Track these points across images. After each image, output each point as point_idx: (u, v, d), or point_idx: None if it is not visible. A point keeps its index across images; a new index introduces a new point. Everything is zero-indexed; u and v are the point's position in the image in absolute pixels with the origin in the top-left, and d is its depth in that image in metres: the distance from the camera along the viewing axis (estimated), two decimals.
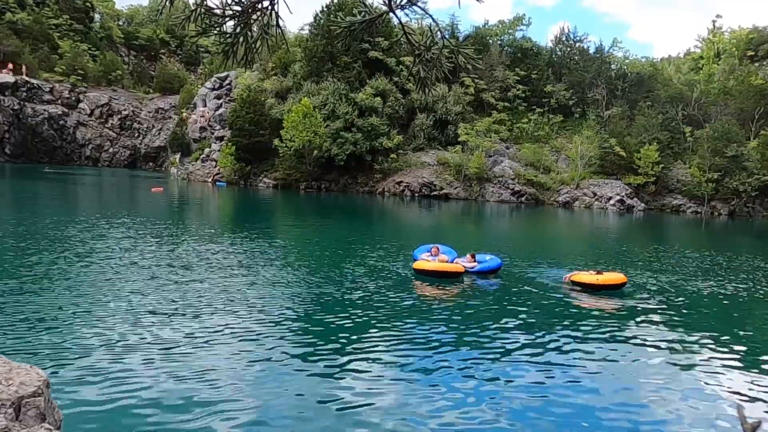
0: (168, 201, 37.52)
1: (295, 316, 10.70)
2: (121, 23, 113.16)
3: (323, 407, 6.90)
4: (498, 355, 9.18)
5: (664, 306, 13.11)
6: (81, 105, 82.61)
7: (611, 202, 49.56)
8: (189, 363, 7.93)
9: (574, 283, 14.19)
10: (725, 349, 10.13)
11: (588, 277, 14.01)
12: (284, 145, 50.39)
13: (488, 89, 58.94)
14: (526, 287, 14.29)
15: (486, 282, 14.79)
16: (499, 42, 66.92)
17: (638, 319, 11.84)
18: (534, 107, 60.29)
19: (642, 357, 9.48)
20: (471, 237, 27.53)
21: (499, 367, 8.62)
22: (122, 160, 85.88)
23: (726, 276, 17.84)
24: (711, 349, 10.10)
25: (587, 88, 60.52)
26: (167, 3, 2.60)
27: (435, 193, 50.77)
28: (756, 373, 8.96)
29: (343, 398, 7.17)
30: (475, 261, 15.57)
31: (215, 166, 60.09)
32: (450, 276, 14.62)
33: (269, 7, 2.55)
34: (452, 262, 16.06)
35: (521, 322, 11.15)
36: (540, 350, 9.49)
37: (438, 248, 16.38)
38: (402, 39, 2.78)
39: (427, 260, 15.17)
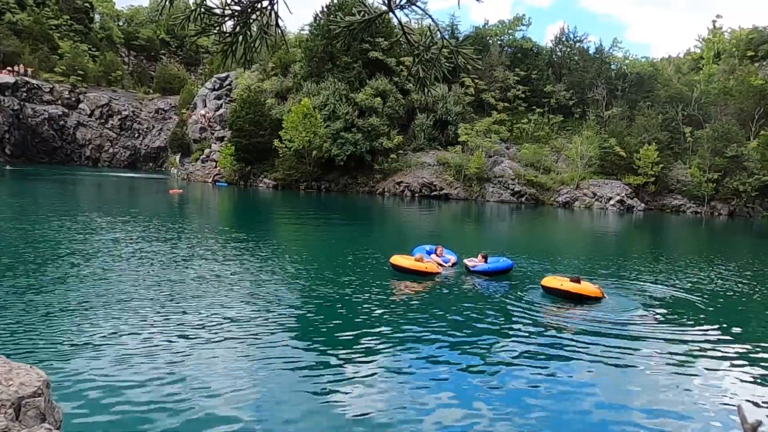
0: (167, 201, 37.53)
1: (292, 316, 10.71)
2: (121, 23, 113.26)
3: (319, 404, 6.90)
4: (493, 355, 9.18)
5: (663, 306, 13.10)
6: (81, 105, 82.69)
7: (611, 202, 49.55)
8: (188, 362, 7.93)
9: (545, 288, 13.20)
10: (725, 349, 10.13)
11: (557, 281, 12.98)
12: (284, 145, 50.42)
13: (488, 89, 58.94)
14: (524, 288, 14.26)
15: (488, 282, 14.75)
16: (499, 42, 66.93)
17: (636, 320, 11.83)
18: (534, 107, 60.28)
19: (641, 358, 9.47)
20: (470, 238, 27.54)
21: (494, 367, 8.61)
22: (122, 160, 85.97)
23: (726, 276, 17.83)
24: (711, 348, 10.09)
25: (587, 88, 60.51)
26: (167, 3, 2.60)
27: (435, 193, 50.77)
28: (756, 373, 8.95)
29: (338, 395, 7.17)
30: (485, 261, 15.50)
31: (215, 167, 60.10)
32: (424, 275, 14.64)
33: (269, 7, 2.55)
34: (447, 262, 16.10)
35: (517, 322, 11.14)
36: (536, 351, 9.48)
37: (442, 249, 16.45)
38: (402, 39, 2.80)
39: (403, 257, 15.22)
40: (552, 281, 13.29)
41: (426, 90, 3.02)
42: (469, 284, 14.44)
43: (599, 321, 11.53)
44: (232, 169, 55.28)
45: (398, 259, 15.05)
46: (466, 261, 15.88)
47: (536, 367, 8.68)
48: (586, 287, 13.02)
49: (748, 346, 10.41)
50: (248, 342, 9.06)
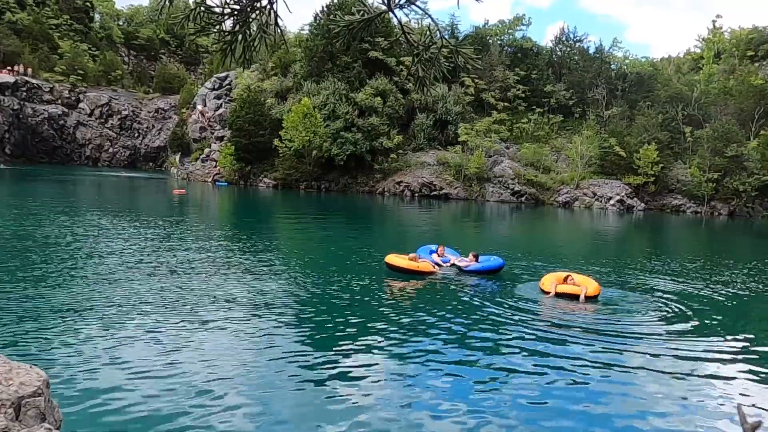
0: (169, 201, 37.52)
1: (290, 315, 10.71)
2: (121, 23, 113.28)
3: (318, 404, 6.90)
4: (488, 355, 9.18)
5: (662, 306, 13.09)
6: (81, 105, 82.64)
7: (611, 202, 49.55)
8: (188, 362, 7.93)
9: (543, 291, 13.28)
10: (725, 349, 10.12)
11: (568, 287, 12.98)
12: (284, 145, 50.43)
13: (488, 89, 58.92)
14: (518, 287, 14.24)
15: (481, 282, 14.73)
16: (499, 42, 66.93)
17: (635, 320, 11.82)
18: (534, 107, 60.25)
19: (639, 357, 9.46)
20: (470, 237, 27.54)
21: (489, 366, 8.60)
22: (122, 160, 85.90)
23: (726, 276, 17.82)
24: (711, 348, 10.08)
25: (587, 88, 60.51)
26: (167, 2, 2.60)
27: (435, 193, 50.76)
28: (756, 373, 8.95)
29: (336, 395, 7.17)
30: (476, 261, 15.52)
31: (215, 166, 60.10)
32: (418, 275, 14.62)
33: (268, 6, 2.55)
34: (447, 262, 16.11)
35: (511, 321, 11.13)
36: (531, 350, 9.46)
37: (443, 249, 16.45)
38: (401, 38, 2.83)
39: (397, 256, 15.18)
40: (548, 285, 13.24)
41: (426, 90, 3.02)
42: (461, 284, 14.41)
43: (597, 320, 11.52)
44: (232, 168, 55.27)
45: (393, 259, 15.00)
46: (457, 261, 15.88)
47: (533, 366, 8.66)
48: (584, 288, 12.95)
49: (749, 346, 10.40)
50: (247, 341, 9.06)
